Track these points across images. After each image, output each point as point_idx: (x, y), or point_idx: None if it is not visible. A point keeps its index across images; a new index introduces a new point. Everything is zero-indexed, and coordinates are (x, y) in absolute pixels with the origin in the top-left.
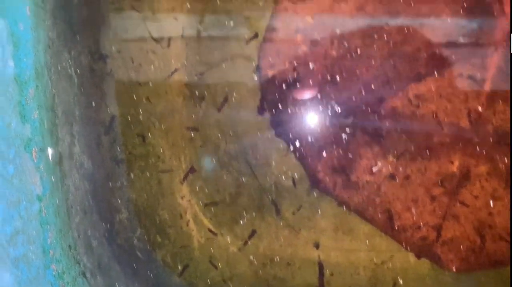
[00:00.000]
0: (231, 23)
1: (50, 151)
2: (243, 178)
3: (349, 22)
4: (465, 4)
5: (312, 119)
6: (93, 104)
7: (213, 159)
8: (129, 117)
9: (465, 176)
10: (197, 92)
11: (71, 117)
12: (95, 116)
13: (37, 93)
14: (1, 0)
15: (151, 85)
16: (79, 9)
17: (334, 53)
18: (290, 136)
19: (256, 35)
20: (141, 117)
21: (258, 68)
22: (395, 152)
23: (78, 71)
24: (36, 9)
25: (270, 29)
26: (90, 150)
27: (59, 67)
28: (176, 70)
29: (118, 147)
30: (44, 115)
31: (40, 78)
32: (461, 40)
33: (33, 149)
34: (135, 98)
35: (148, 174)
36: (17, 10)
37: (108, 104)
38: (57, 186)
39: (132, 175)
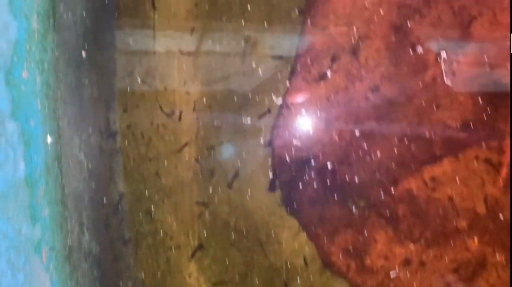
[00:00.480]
0: (244, 97)
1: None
2: (253, 256)
3: (364, 102)
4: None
5: (325, 199)
6: (102, 185)
7: (222, 236)
8: (137, 194)
9: (481, 264)
10: (207, 167)
11: (81, 205)
12: (104, 198)
13: (47, 190)
14: (13, 101)
15: (160, 159)
16: (90, 90)
17: (348, 134)
18: (302, 214)
19: (268, 111)
20: (149, 193)
21: (270, 144)
22: (411, 237)
23: (88, 155)
24: (47, 101)
25: (284, 107)
26: (99, 235)
27: (69, 156)
28: (186, 144)
29: (126, 226)
30: (54, 209)
31: (50, 173)
32: (478, 122)
33: (43, 249)
34: (144, 173)
35: (155, 252)
36: (29, 107)
37: (117, 181)
38: (66, 283)
39: (139, 254)
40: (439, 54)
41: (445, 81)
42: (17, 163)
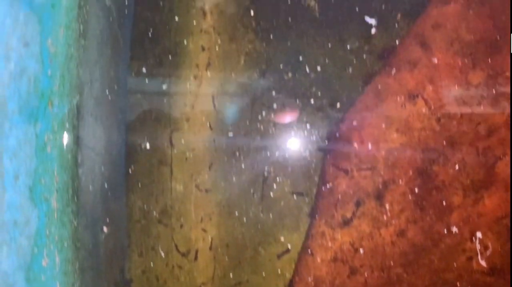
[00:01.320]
0: (263, 235)
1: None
2: None
3: (389, 248)
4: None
5: None
6: None
7: None
8: None
9: None
10: None
11: None
12: None
13: None
14: (34, 279)
15: None
16: (106, 243)
17: (374, 280)
18: None
19: (288, 250)
20: None
21: (290, 286)
22: None
23: None
24: (65, 278)
25: (305, 250)
26: None
27: None
28: (202, 284)
29: None
30: None
31: None
32: (504, 266)
33: None
34: None
35: None
36: (48, 281)
37: None
38: None
39: None
40: (474, 235)
41: (480, 262)
42: None
